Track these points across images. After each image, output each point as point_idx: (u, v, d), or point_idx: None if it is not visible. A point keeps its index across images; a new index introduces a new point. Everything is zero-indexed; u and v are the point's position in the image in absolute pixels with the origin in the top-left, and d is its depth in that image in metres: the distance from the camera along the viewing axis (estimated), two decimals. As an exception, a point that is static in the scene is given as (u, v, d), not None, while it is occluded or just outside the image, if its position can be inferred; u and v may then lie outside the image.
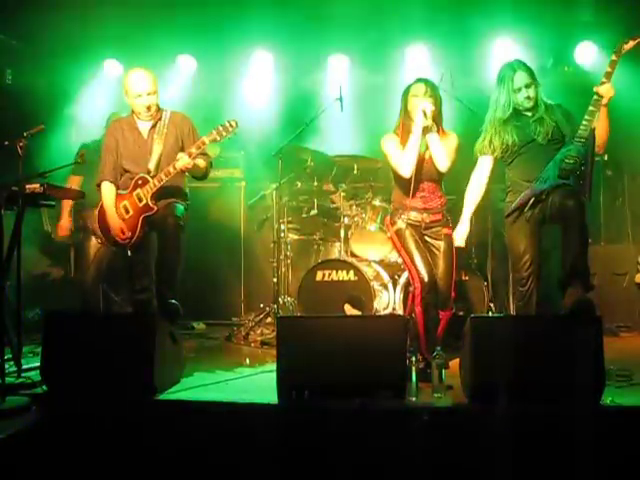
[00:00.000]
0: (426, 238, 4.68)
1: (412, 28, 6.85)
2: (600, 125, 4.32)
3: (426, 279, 4.49)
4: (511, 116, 4.53)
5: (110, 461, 3.54)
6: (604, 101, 4.27)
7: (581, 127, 4.30)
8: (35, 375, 4.15)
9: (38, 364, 4.04)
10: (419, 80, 4.65)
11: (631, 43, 4.31)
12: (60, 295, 6.62)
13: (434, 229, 4.67)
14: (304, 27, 6.78)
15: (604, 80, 4.26)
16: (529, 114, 4.54)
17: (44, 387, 3.96)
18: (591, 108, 4.28)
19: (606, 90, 4.26)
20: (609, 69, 4.28)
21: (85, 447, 3.56)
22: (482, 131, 4.65)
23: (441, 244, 4.65)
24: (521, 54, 6.29)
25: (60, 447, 3.57)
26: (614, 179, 7.15)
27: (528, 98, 4.49)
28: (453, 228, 4.74)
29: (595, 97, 4.28)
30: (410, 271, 4.62)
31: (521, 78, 4.47)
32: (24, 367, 4.38)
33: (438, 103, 4.59)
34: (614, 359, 4.13)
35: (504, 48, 6.90)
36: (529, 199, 4.43)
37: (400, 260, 6.47)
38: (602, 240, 7.00)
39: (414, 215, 4.64)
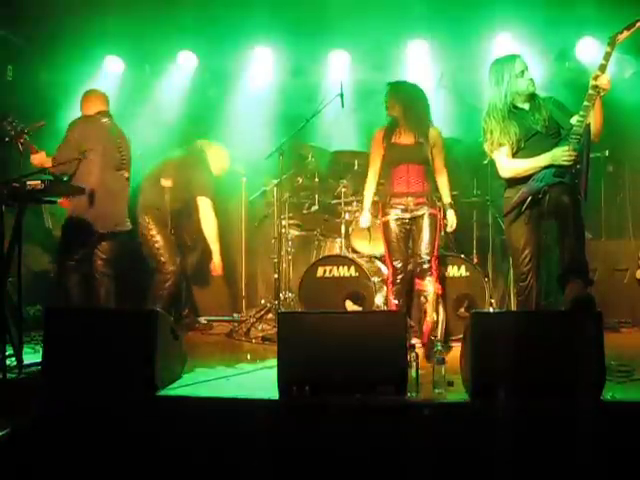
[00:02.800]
0: (412, 219, 5.23)
1: (413, 24, 6.84)
2: (595, 116, 4.30)
3: (397, 266, 5.22)
4: (511, 110, 4.52)
5: (111, 458, 3.55)
6: (602, 93, 4.25)
7: (576, 124, 4.29)
8: (36, 371, 4.17)
9: (39, 360, 4.05)
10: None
11: (625, 33, 4.27)
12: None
13: (420, 210, 5.19)
14: (304, 23, 6.77)
15: (598, 73, 4.23)
16: (526, 107, 4.54)
17: (45, 383, 3.97)
18: (586, 103, 4.25)
19: (606, 82, 4.24)
20: (603, 61, 4.24)
21: (86, 444, 3.57)
22: (485, 130, 4.62)
23: (425, 220, 5.17)
24: (522, 50, 6.29)
25: (61, 443, 3.58)
26: (615, 175, 7.16)
27: (531, 80, 4.50)
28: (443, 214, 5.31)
29: (590, 92, 4.25)
30: (386, 258, 5.34)
31: (521, 63, 4.51)
32: (25, 363, 4.39)
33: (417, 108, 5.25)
34: (615, 355, 4.13)
35: (505, 44, 6.88)
36: (526, 198, 4.42)
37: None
38: (603, 236, 7.01)
39: (398, 201, 5.20)
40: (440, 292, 5.26)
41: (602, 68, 4.24)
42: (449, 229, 5.43)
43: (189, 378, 4.28)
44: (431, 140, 5.22)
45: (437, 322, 5.20)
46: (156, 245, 6.14)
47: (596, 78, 4.22)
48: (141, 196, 6.24)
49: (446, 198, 5.36)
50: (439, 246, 5.28)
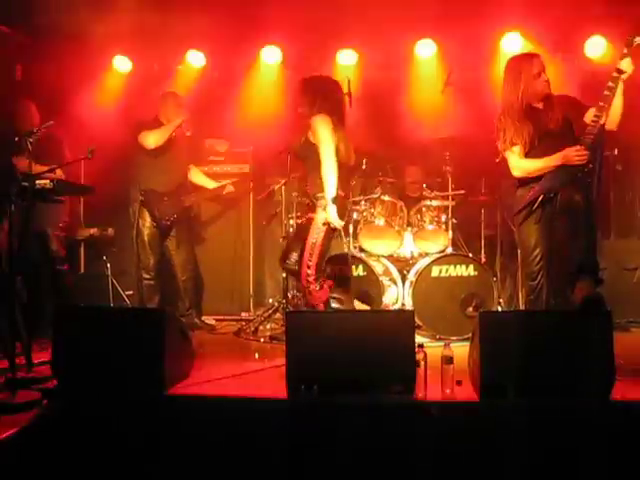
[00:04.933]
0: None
1: (421, 22, 6.82)
2: (616, 103, 4.29)
3: None
4: (526, 108, 4.52)
5: (119, 457, 3.55)
6: (624, 76, 4.23)
7: (590, 123, 4.29)
8: (45, 370, 4.18)
9: (48, 359, 4.06)
10: None
11: None
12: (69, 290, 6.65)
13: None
14: (313, 22, 6.76)
15: (615, 74, 4.24)
16: (540, 106, 4.54)
17: (55, 381, 3.98)
18: (600, 104, 4.26)
19: (627, 64, 4.23)
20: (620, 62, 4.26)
21: (95, 441, 3.58)
22: (499, 128, 4.62)
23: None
24: (530, 48, 6.29)
25: (69, 442, 3.59)
26: (624, 174, 7.13)
27: (547, 82, 4.50)
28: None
29: (605, 92, 4.25)
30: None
31: (539, 63, 4.50)
32: (35, 362, 4.41)
33: None
34: (624, 354, 4.11)
35: (513, 42, 6.87)
36: (537, 197, 4.42)
37: (409, 255, 6.53)
38: (612, 235, 6.98)
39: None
40: None
41: (619, 72, 4.23)
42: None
43: (197, 377, 4.28)
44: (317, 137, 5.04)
45: None
46: (141, 237, 6.38)
47: (620, 65, 4.20)
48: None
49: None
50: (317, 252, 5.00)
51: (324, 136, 4.96)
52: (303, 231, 5.14)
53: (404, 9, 6.52)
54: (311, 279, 4.95)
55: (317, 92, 5.15)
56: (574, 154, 4.32)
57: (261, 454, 3.48)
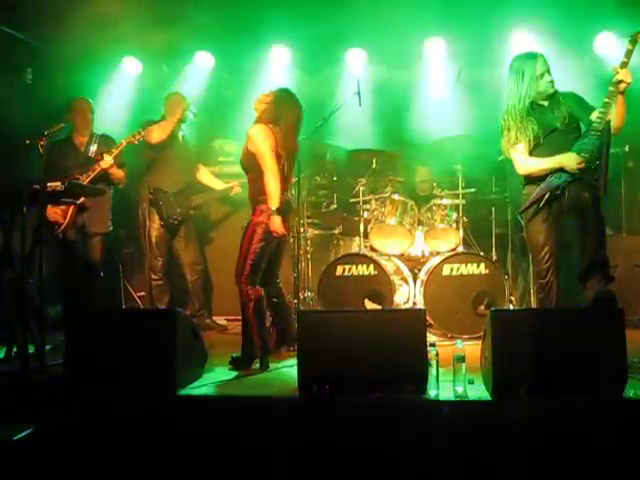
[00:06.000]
0: None
1: (430, 20, 6.80)
2: (617, 112, 4.29)
3: None
4: (530, 107, 4.52)
5: (132, 457, 3.57)
6: (622, 87, 4.23)
7: (596, 120, 4.28)
8: (58, 371, 4.20)
9: (61, 360, 4.08)
10: None
11: None
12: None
13: None
14: (321, 22, 6.75)
15: (618, 69, 4.23)
16: (545, 103, 4.53)
17: (67, 383, 4.00)
18: (606, 100, 4.25)
19: (625, 75, 4.22)
20: (625, 59, 4.25)
21: (107, 443, 3.60)
22: (503, 128, 4.62)
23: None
24: (539, 45, 6.26)
25: (82, 443, 3.61)
26: (635, 170, 7.09)
27: (551, 82, 4.50)
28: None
29: (610, 89, 4.26)
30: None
31: (543, 64, 4.50)
32: (47, 364, 4.42)
33: None
34: (637, 352, 4.09)
35: (522, 39, 6.84)
36: (544, 194, 4.42)
37: (420, 254, 6.52)
38: (623, 232, 6.94)
39: None
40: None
41: (623, 65, 4.23)
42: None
43: (209, 377, 4.30)
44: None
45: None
46: (149, 238, 6.40)
47: (617, 74, 4.21)
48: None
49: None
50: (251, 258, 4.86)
51: (263, 147, 4.89)
52: (243, 237, 4.95)
53: (413, 7, 6.51)
54: (244, 277, 4.83)
55: (279, 105, 5.30)
56: (573, 163, 4.32)
57: (273, 454, 3.49)
